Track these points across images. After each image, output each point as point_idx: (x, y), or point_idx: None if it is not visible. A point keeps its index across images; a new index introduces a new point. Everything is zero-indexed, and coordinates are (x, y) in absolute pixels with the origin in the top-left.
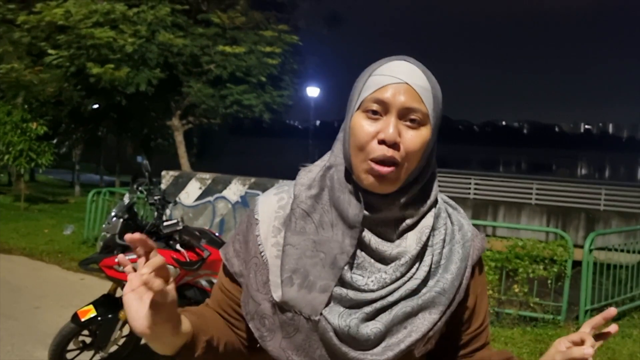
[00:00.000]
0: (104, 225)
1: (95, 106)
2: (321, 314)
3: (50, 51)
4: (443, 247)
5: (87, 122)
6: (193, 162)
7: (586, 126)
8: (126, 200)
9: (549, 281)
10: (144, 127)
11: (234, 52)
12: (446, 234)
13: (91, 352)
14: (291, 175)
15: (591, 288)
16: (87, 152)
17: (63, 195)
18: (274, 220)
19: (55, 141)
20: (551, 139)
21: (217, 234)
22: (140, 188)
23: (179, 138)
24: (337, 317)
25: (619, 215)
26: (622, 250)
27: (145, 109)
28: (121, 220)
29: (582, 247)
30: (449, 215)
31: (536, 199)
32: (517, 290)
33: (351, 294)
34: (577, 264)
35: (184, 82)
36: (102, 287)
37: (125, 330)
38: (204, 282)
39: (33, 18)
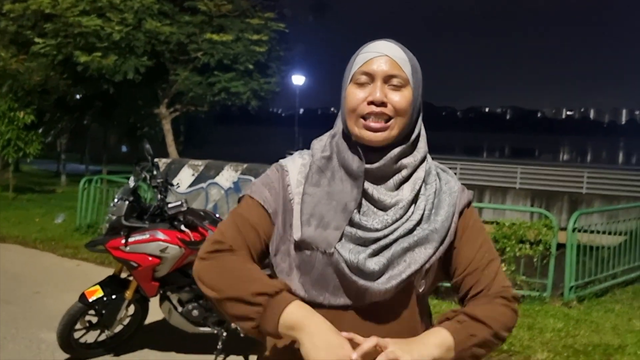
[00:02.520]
0: (109, 208)
1: (78, 96)
2: (335, 248)
3: (37, 40)
4: (434, 198)
5: (73, 111)
6: (180, 150)
7: (568, 112)
8: (131, 183)
9: (535, 260)
10: (131, 115)
11: (221, 40)
12: (436, 189)
13: (97, 332)
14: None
15: (575, 266)
16: (71, 141)
17: (50, 185)
18: (297, 174)
19: (40, 130)
20: (534, 125)
21: (217, 215)
22: (144, 171)
23: (167, 126)
24: (348, 252)
25: (601, 198)
26: (604, 232)
27: (132, 97)
28: (126, 202)
29: (566, 229)
30: (438, 175)
31: (520, 183)
32: (504, 268)
33: (360, 232)
34: (561, 246)
35: (171, 70)
36: (98, 272)
37: (131, 310)
38: None
39: (19, 6)
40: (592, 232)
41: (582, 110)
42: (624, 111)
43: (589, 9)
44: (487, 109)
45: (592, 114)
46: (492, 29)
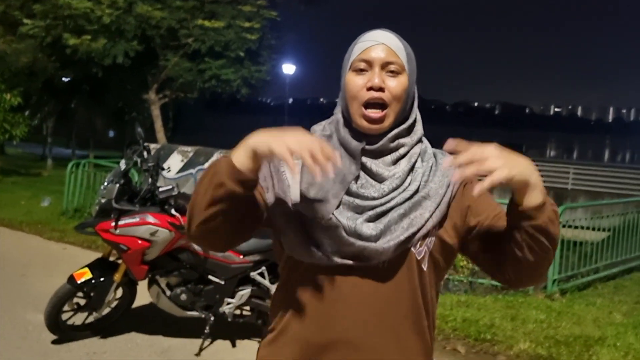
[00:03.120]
0: (99, 191)
1: (66, 79)
2: (333, 214)
3: (25, 21)
4: (430, 174)
5: (60, 95)
6: (168, 136)
7: (556, 109)
8: (122, 166)
9: None
10: (119, 100)
11: (213, 26)
12: (432, 165)
13: (85, 314)
14: None
15: (559, 260)
16: (58, 125)
17: (35, 168)
18: None
19: (27, 113)
20: (522, 120)
21: None
22: (135, 155)
23: (156, 112)
24: (346, 219)
25: (586, 194)
26: (588, 228)
27: (121, 82)
28: (117, 185)
29: None
30: (435, 155)
31: None
32: None
33: (357, 201)
34: None
35: (161, 55)
36: (85, 255)
37: (119, 293)
38: (196, 246)
39: None
40: (576, 227)
41: (569, 107)
42: (611, 109)
43: (580, 8)
44: (476, 104)
45: (579, 112)
46: (483, 25)
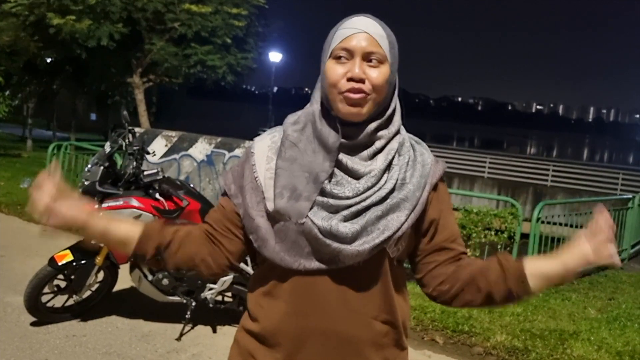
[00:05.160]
0: (83, 173)
1: (48, 60)
2: (307, 216)
3: None
4: (407, 169)
5: (42, 75)
6: (151, 121)
7: (538, 106)
8: (107, 148)
9: (499, 247)
10: (102, 83)
11: (200, 11)
12: (409, 159)
13: (65, 297)
14: (250, 138)
15: (537, 254)
16: (39, 107)
17: (15, 150)
18: (267, 151)
19: (7, 93)
20: (504, 117)
21: (192, 185)
22: (120, 138)
23: (140, 96)
24: (320, 219)
25: (565, 191)
26: (566, 225)
27: (105, 64)
28: (101, 168)
29: (529, 220)
30: (412, 146)
31: (488, 173)
32: (469, 254)
33: (331, 201)
34: (524, 236)
35: (146, 39)
36: (65, 238)
37: (100, 276)
38: None
39: None
40: (554, 223)
41: (551, 105)
42: (592, 109)
43: (564, 8)
44: (459, 99)
45: (561, 110)
46: (468, 21)
